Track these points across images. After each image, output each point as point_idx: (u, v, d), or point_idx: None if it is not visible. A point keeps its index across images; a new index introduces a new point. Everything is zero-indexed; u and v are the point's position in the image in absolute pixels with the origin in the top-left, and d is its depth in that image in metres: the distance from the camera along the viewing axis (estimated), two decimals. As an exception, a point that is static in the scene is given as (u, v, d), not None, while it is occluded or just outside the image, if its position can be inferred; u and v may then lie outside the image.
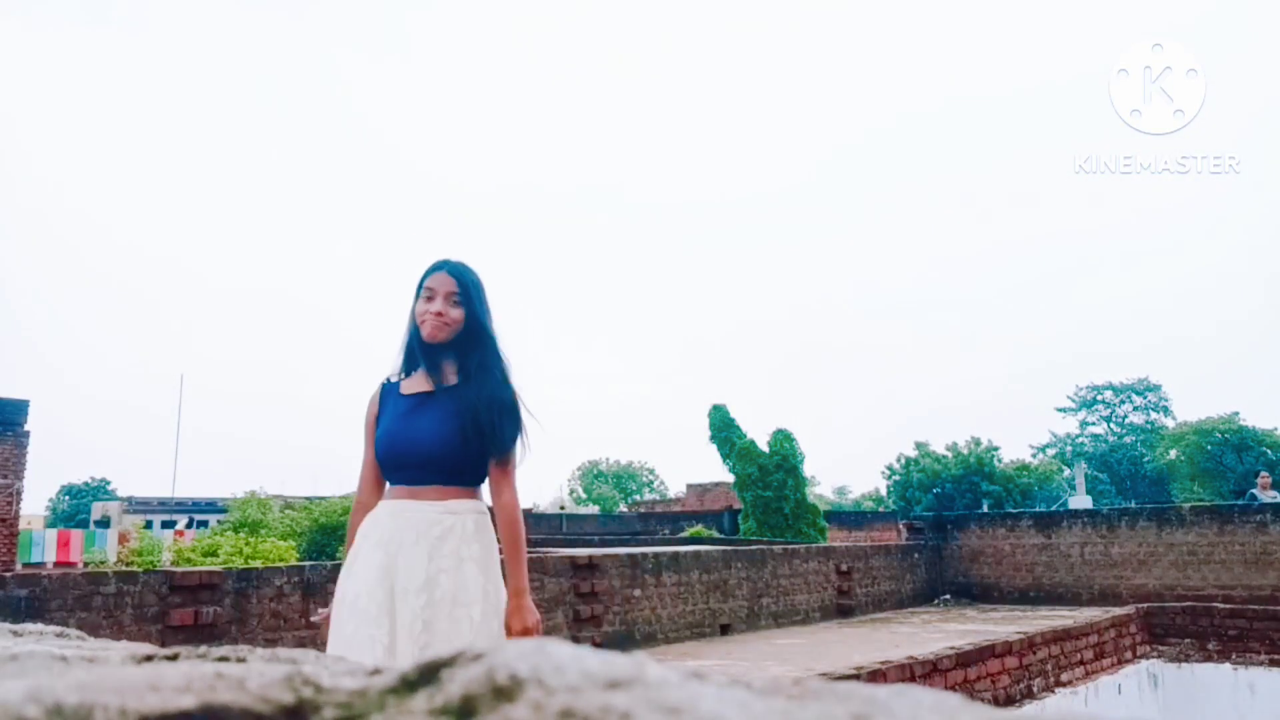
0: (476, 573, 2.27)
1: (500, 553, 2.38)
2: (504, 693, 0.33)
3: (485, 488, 2.44)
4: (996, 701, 6.30)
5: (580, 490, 64.28)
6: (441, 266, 2.48)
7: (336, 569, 8.28)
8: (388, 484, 2.41)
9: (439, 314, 2.39)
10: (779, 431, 22.95)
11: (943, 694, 0.34)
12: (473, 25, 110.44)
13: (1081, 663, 7.79)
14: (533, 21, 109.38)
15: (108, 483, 58.87)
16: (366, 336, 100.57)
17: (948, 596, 16.24)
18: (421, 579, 2.21)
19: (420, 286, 2.47)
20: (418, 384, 2.44)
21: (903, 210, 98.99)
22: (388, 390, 2.50)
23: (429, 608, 2.20)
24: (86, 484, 59.29)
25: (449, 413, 2.35)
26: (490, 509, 2.42)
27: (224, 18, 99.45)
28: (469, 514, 2.33)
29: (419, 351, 2.44)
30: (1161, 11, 76.60)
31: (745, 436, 22.92)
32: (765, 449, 22.65)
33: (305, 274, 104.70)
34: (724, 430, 23.02)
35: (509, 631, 2.30)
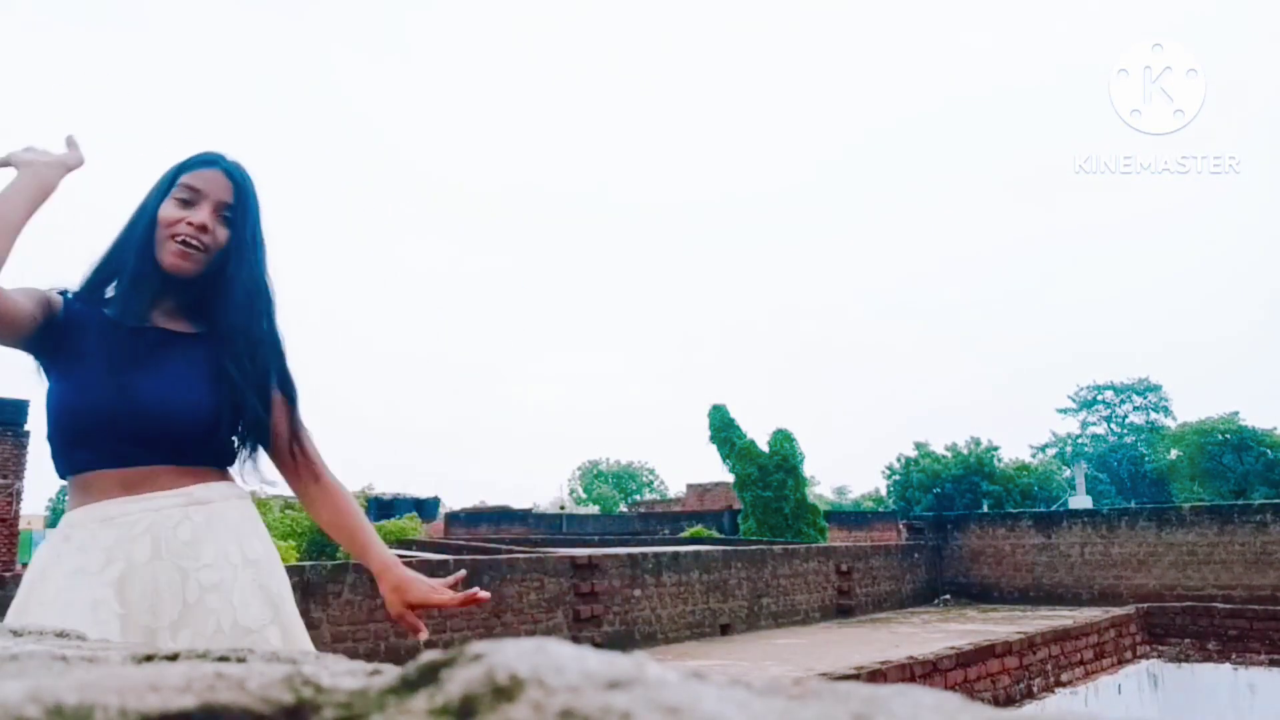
0: (254, 581, 1.57)
1: (354, 532, 1.80)
2: (504, 693, 0.33)
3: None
4: (996, 701, 6.31)
5: (580, 490, 64.30)
6: (214, 162, 1.64)
7: (337, 569, 8.35)
8: (76, 472, 1.52)
9: (201, 229, 1.56)
10: (779, 431, 22.96)
11: (943, 694, 0.34)
12: (472, 25, 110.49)
13: (1081, 663, 7.79)
14: (532, 22, 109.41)
15: (108, 483, 58.88)
16: (366, 336, 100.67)
17: (948, 596, 16.25)
18: (178, 609, 1.46)
19: (170, 182, 1.60)
20: (146, 317, 1.59)
21: (903, 210, 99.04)
22: (81, 315, 1.58)
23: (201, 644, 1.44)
24: (86, 484, 59.30)
25: (206, 367, 1.59)
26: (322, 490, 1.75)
27: (223, 18, 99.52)
28: (230, 499, 1.60)
29: (138, 275, 1.57)
30: (1161, 11, 76.63)
31: (745, 436, 22.94)
32: (765, 449, 22.67)
33: (305, 273, 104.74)
34: (724, 430, 23.04)
35: (411, 608, 1.73)
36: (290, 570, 8.28)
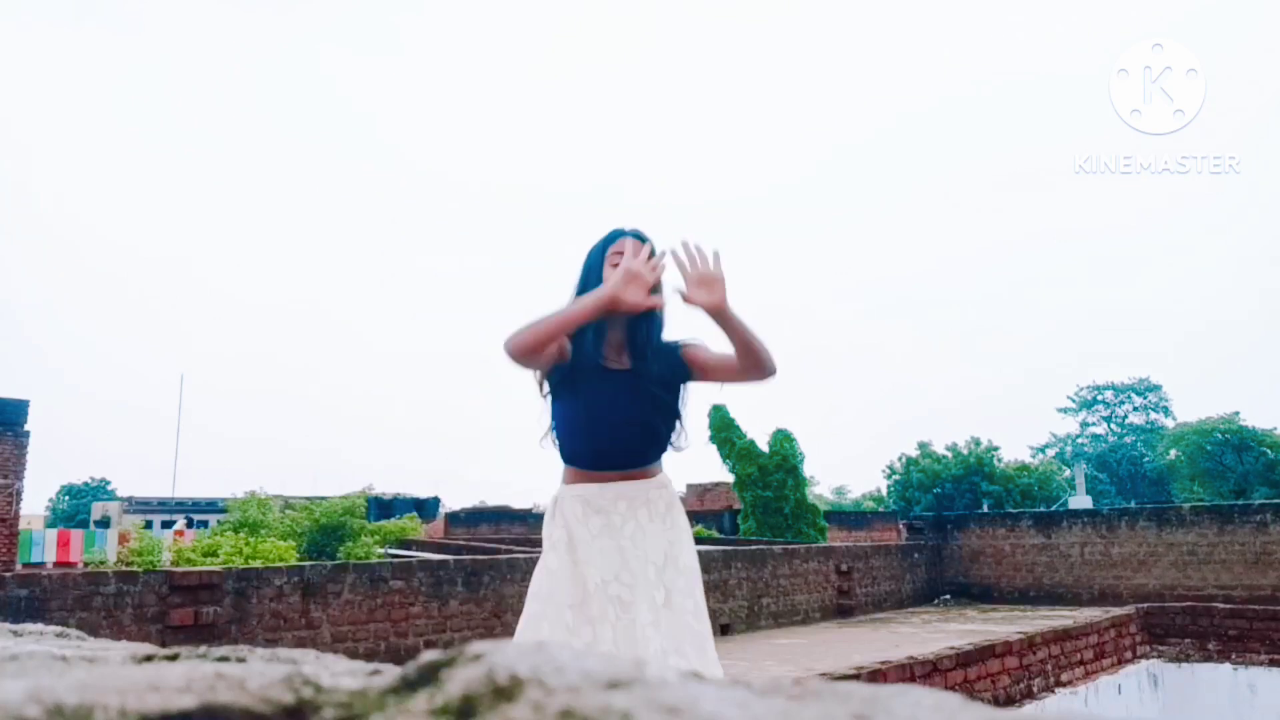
0: (672, 542, 2.31)
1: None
2: (504, 693, 0.33)
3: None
4: (996, 701, 6.30)
5: (580, 490, 64.28)
6: (624, 233, 2.42)
7: (337, 569, 8.34)
8: (592, 468, 2.33)
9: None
10: (779, 431, 22.95)
11: (943, 694, 0.34)
12: (472, 25, 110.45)
13: (1081, 663, 7.79)
14: (532, 22, 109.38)
15: (108, 483, 58.87)
16: (366, 336, 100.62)
17: (948, 596, 16.24)
18: (661, 556, 2.26)
19: (602, 251, 2.41)
20: (609, 361, 2.34)
21: (903, 210, 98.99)
22: (573, 349, 2.34)
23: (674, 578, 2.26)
24: (86, 484, 59.28)
25: (651, 399, 2.32)
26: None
27: (217, 16, 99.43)
28: (669, 486, 2.38)
29: (599, 327, 2.32)
30: (1161, 11, 76.59)
31: (745, 436, 22.93)
32: (765, 449, 22.66)
33: (305, 273, 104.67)
34: (724, 430, 23.02)
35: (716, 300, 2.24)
36: (290, 570, 8.21)
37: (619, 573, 2.21)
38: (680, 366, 2.37)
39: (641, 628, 2.14)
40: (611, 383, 2.31)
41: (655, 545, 2.26)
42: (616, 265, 2.31)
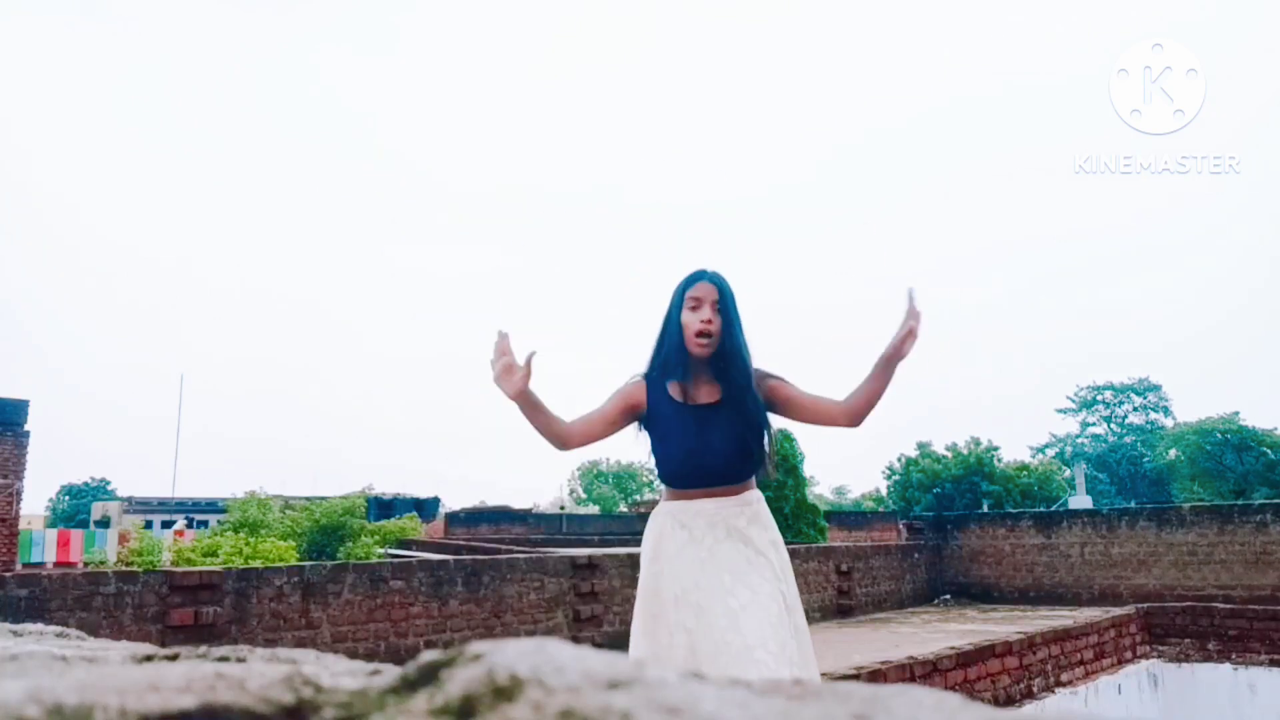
0: (773, 552, 2.54)
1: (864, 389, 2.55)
2: (504, 693, 0.33)
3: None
4: (996, 701, 6.30)
5: (580, 490, 64.27)
6: (702, 276, 2.60)
7: (337, 569, 8.34)
8: (681, 489, 2.58)
9: (707, 322, 2.52)
10: (778, 431, 22.92)
11: (943, 694, 0.34)
12: (471, 25, 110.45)
13: (1081, 663, 7.79)
14: (531, 22, 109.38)
15: (108, 483, 58.86)
16: (367, 335, 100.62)
17: (948, 596, 16.24)
18: (742, 567, 2.46)
19: (681, 295, 2.59)
20: (695, 395, 2.57)
21: (903, 210, 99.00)
22: (656, 390, 2.59)
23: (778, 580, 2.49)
24: (86, 484, 59.27)
25: (733, 429, 2.53)
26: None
27: (216, 16, 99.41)
28: (757, 504, 2.60)
29: (675, 362, 2.56)
30: (1161, 11, 76.56)
31: (745, 436, 22.91)
32: (765, 449, 22.63)
33: (305, 273, 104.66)
34: (724, 430, 23.01)
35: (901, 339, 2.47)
36: (290, 570, 8.19)
37: (698, 581, 2.42)
38: (759, 398, 2.57)
39: (720, 632, 2.34)
40: (693, 416, 2.54)
41: (732, 555, 2.45)
42: (694, 309, 2.53)
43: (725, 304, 2.56)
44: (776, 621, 2.36)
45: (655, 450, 2.62)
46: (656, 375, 2.61)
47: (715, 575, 2.41)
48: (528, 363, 2.45)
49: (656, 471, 2.65)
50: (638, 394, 2.61)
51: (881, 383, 2.48)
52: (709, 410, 2.56)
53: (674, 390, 2.58)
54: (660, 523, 2.57)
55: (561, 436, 2.55)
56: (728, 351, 2.55)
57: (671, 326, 2.59)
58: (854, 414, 2.52)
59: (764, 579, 2.44)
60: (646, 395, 2.60)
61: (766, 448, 2.62)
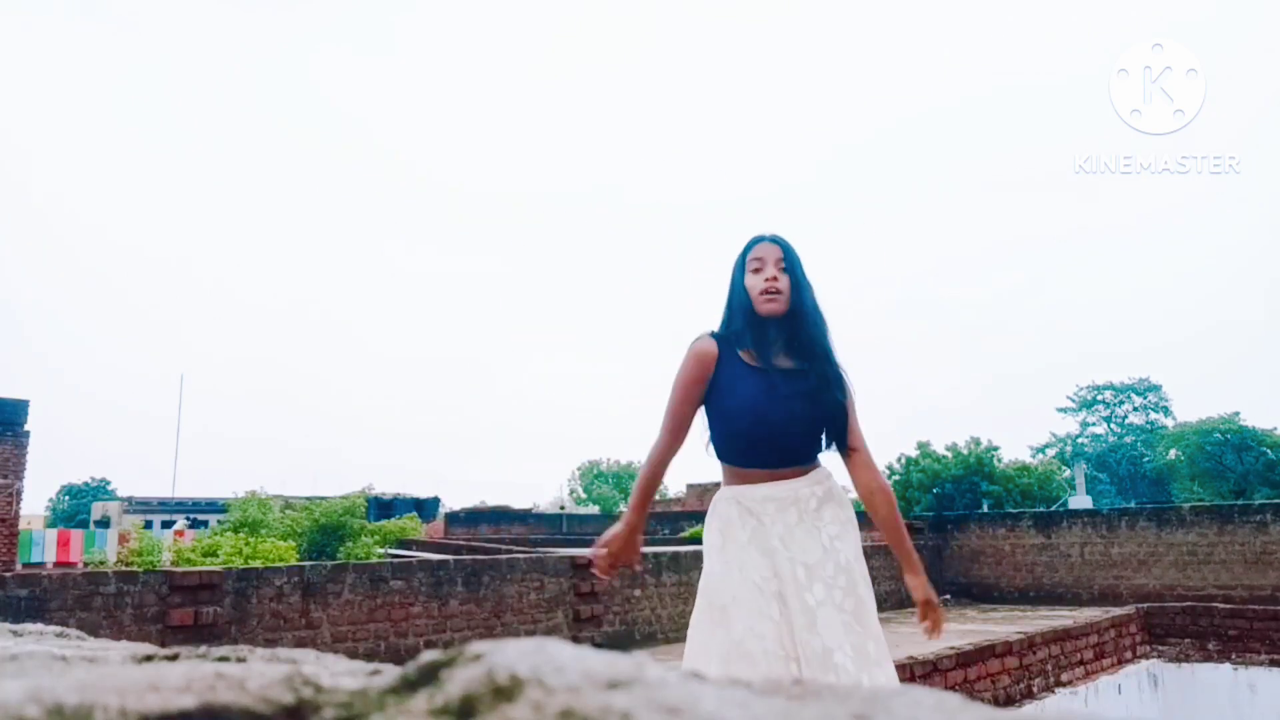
0: (846, 534, 2.36)
1: (892, 541, 2.51)
2: (504, 693, 0.33)
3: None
4: (996, 701, 6.30)
5: (580, 490, 64.26)
6: (762, 238, 2.44)
7: (337, 569, 8.33)
8: (744, 466, 2.36)
9: (773, 279, 2.35)
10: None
11: (943, 694, 0.34)
12: (470, 25, 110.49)
13: (1081, 663, 7.79)
14: (531, 22, 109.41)
15: (108, 483, 58.88)
16: (367, 336, 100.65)
17: (948, 596, 16.25)
18: (818, 553, 2.28)
19: (743, 260, 2.42)
20: (770, 360, 2.36)
21: (902, 210, 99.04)
22: (727, 354, 2.38)
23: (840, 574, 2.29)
24: (86, 484, 59.29)
25: (813, 398, 2.33)
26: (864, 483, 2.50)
27: (215, 16, 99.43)
28: (827, 482, 2.40)
29: (748, 325, 2.36)
30: (1161, 11, 76.55)
31: (745, 436, 22.90)
32: (765, 449, 22.63)
33: (305, 274, 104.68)
34: (724, 430, 23.00)
35: (923, 599, 2.43)
36: (290, 570, 8.19)
37: (777, 570, 2.23)
38: (840, 370, 2.41)
39: (799, 630, 2.16)
40: (770, 380, 2.33)
41: (806, 545, 2.26)
42: (756, 270, 2.37)
43: (791, 263, 2.38)
44: (851, 620, 2.21)
45: (716, 422, 2.38)
46: (727, 335, 2.41)
47: (789, 570, 2.22)
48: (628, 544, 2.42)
49: (714, 448, 2.41)
50: (709, 350, 2.38)
51: (900, 551, 2.49)
52: (786, 375, 2.34)
53: (746, 357, 2.36)
54: (725, 511, 2.33)
55: (671, 455, 2.42)
56: (803, 310, 2.36)
57: (737, 292, 2.40)
58: (868, 487, 2.48)
59: (841, 570, 2.26)
60: (718, 353, 2.38)
61: (852, 426, 2.42)
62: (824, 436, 2.39)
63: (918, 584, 2.42)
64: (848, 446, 2.43)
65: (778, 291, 2.34)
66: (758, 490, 2.31)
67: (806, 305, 2.37)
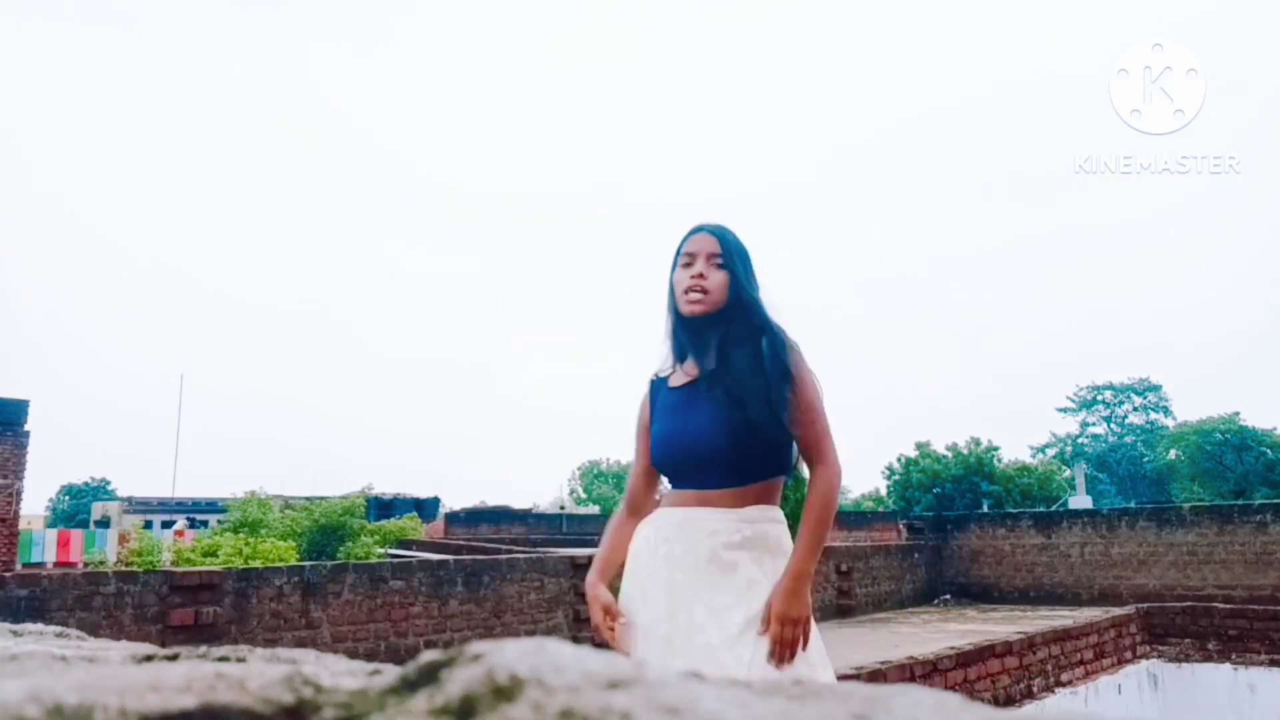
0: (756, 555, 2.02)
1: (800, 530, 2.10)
2: (504, 693, 0.33)
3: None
4: (996, 701, 6.30)
5: (580, 490, 64.27)
6: (699, 229, 2.13)
7: (337, 569, 8.34)
8: (669, 488, 2.14)
9: (699, 277, 2.04)
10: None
11: (943, 694, 0.34)
12: (470, 25, 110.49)
13: (1081, 663, 7.79)
14: (530, 22, 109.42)
15: (108, 483, 58.87)
16: (366, 336, 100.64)
17: (948, 596, 16.25)
18: (715, 575, 1.98)
19: (677, 254, 2.13)
20: (687, 372, 2.11)
21: (903, 210, 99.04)
22: (656, 386, 2.18)
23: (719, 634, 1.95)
24: (86, 484, 59.28)
25: (725, 405, 2.00)
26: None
27: (215, 16, 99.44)
28: (764, 523, 2.06)
29: (680, 331, 2.12)
30: (1161, 11, 76.57)
31: (745, 436, 22.91)
32: (765, 449, 22.64)
33: (305, 274, 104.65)
34: (724, 430, 23.02)
35: (768, 610, 1.95)
36: (290, 570, 8.20)
37: (660, 619, 1.98)
38: (779, 387, 2.01)
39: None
40: (681, 394, 2.10)
41: (711, 583, 1.97)
42: (686, 265, 2.09)
43: (727, 256, 2.08)
44: (749, 665, 1.89)
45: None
46: (661, 370, 2.22)
47: (685, 611, 1.95)
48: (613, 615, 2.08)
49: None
50: (644, 412, 2.21)
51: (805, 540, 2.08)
52: (696, 385, 2.07)
53: (677, 373, 2.14)
54: (644, 532, 2.11)
55: (640, 514, 2.19)
56: (739, 308, 2.07)
57: (669, 290, 2.15)
58: (813, 492, 2.11)
59: (751, 621, 1.94)
60: (648, 393, 2.21)
61: (789, 434, 2.04)
62: (759, 456, 2.04)
63: (777, 590, 1.97)
64: (791, 467, 2.11)
65: (703, 290, 2.05)
66: (675, 515, 2.04)
67: (745, 301, 2.07)
